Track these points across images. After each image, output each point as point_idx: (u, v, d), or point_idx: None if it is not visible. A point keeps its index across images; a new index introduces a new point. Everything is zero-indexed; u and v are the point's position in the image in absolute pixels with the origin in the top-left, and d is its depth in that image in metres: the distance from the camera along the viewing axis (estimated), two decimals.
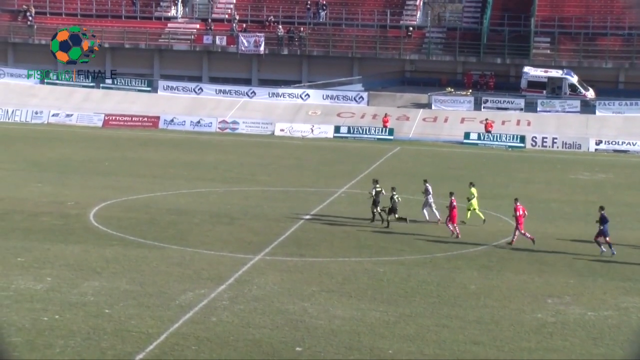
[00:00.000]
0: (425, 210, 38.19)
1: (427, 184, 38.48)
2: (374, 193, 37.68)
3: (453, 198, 35.97)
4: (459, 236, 35.54)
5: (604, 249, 33.65)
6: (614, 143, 66.61)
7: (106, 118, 71.38)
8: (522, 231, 34.67)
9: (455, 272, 30.69)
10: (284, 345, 23.20)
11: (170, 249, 32.61)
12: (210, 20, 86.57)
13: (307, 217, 38.71)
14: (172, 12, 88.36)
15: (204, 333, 23.83)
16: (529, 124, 70.73)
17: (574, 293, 28.77)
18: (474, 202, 37.84)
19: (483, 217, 38.03)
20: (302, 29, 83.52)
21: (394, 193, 37.69)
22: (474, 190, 38.22)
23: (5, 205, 39.28)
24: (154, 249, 32.48)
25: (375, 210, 37.66)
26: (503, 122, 70.53)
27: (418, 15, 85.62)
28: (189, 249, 32.54)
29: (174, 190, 44.19)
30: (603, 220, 33.53)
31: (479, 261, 32.35)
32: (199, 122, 70.71)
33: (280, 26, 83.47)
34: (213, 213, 39.06)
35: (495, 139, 67.20)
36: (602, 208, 34.10)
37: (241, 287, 28.06)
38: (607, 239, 33.59)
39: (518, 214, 34.71)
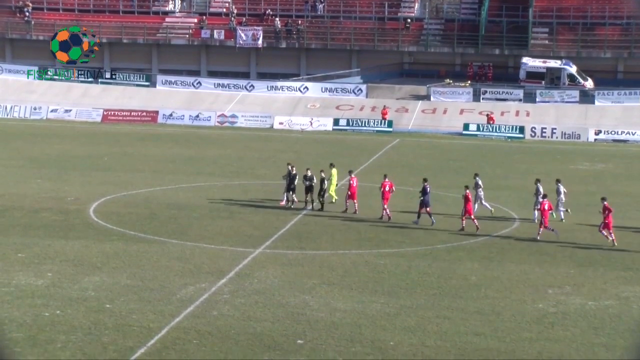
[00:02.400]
0: (288, 194, 39.33)
1: (290, 166, 39.43)
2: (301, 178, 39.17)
3: (352, 176, 38.33)
4: (356, 212, 37.64)
5: (417, 221, 36.15)
6: (613, 133, 66.56)
7: (105, 113, 71.33)
8: (385, 206, 36.67)
9: (455, 264, 30.71)
10: (285, 338, 23.21)
11: (171, 243, 32.62)
12: (207, 14, 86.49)
13: (307, 210, 38.70)
14: (170, 7, 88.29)
15: (205, 327, 23.85)
16: (528, 114, 70.71)
17: (574, 283, 28.79)
18: (333, 182, 39.22)
19: (336, 198, 39.31)
20: (299, 22, 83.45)
21: (323, 176, 38.74)
22: (334, 171, 39.49)
23: (5, 201, 39.27)
24: (154, 244, 32.49)
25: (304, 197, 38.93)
26: (502, 113, 70.54)
27: (416, 7, 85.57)
28: (189, 244, 32.55)
29: (174, 185, 44.18)
30: (424, 192, 36.18)
31: (480, 252, 32.37)
32: (197, 116, 70.67)
33: (277, 19, 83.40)
34: (213, 207, 39.06)
35: (494, 130, 67.16)
36: (425, 180, 36.79)
37: (242, 281, 28.07)
38: (428, 209, 36.14)
39: (384, 189, 36.86)
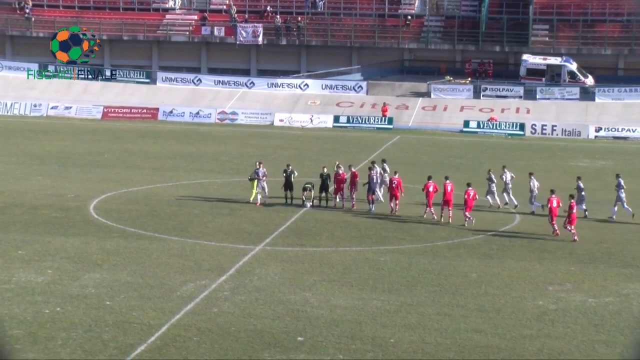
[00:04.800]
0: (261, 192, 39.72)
1: (260, 166, 39.89)
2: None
3: (342, 172, 39.19)
4: (335, 206, 38.92)
5: (372, 207, 38.02)
6: (613, 130, 66.50)
7: (105, 110, 71.31)
8: (352, 194, 38.74)
9: (456, 261, 30.71)
10: (285, 335, 23.22)
11: (171, 240, 32.63)
12: (208, 11, 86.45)
13: (308, 207, 38.70)
14: (170, 4, 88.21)
15: (206, 324, 23.86)
16: (528, 111, 70.66)
17: (574, 280, 28.80)
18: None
19: (253, 197, 39.38)
20: (300, 18, 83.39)
21: (327, 172, 39.37)
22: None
23: (5, 198, 39.28)
24: (155, 241, 32.50)
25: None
26: (502, 110, 70.49)
27: (416, 3, 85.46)
28: (189, 240, 32.56)
29: (174, 182, 44.20)
30: (370, 180, 38.28)
31: (480, 249, 32.37)
32: (198, 113, 70.64)
33: (278, 16, 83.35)
34: (213, 204, 39.08)
35: (494, 127, 67.13)
36: (370, 169, 39.11)
37: (242, 278, 28.08)
38: (373, 196, 38.28)
39: (357, 179, 39.00)
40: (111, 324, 23.72)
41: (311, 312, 24.96)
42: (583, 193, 37.63)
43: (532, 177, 38.73)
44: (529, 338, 23.48)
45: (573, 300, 26.66)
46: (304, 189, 39.09)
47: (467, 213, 35.76)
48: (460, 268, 29.79)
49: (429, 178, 37.40)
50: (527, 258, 31.30)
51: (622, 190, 37.62)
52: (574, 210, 33.95)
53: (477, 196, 36.61)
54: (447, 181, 36.61)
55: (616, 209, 37.71)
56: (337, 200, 39.04)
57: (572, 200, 34.28)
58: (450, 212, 36.22)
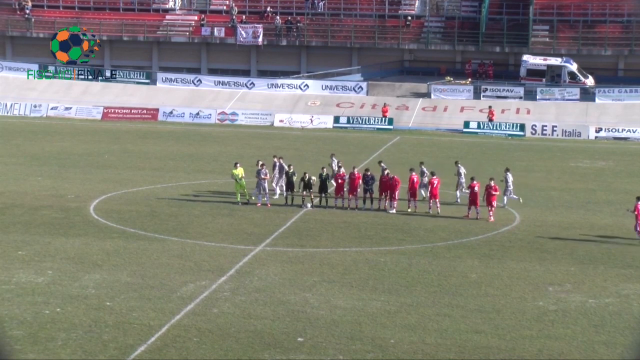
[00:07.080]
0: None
1: (262, 167, 39.92)
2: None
3: (342, 171, 39.76)
4: (336, 206, 39.23)
5: (371, 207, 38.74)
6: (613, 130, 66.47)
7: (105, 111, 71.32)
8: (355, 195, 39.11)
9: (456, 261, 30.71)
10: (285, 336, 23.23)
11: (171, 241, 32.63)
12: (208, 11, 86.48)
13: (308, 207, 38.70)
14: (170, 4, 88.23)
15: (206, 324, 23.86)
16: (528, 112, 70.65)
17: (574, 281, 28.80)
18: (242, 182, 39.44)
19: (238, 200, 39.35)
20: (300, 19, 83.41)
21: (326, 173, 39.71)
22: (236, 171, 39.71)
23: (6, 199, 39.29)
24: (155, 241, 32.50)
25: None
26: (503, 111, 70.45)
27: (416, 4, 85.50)
28: (189, 241, 32.56)
29: (174, 183, 44.20)
30: (367, 182, 38.84)
31: (480, 250, 32.37)
32: (198, 113, 70.63)
33: (278, 17, 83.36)
34: (213, 205, 39.07)
35: (495, 128, 67.12)
36: (367, 170, 40.08)
37: (242, 279, 28.09)
38: (371, 194, 38.96)
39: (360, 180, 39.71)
40: (111, 324, 23.73)
41: (311, 313, 24.96)
42: (510, 184, 39.52)
43: (459, 165, 40.97)
44: (529, 339, 23.48)
45: (573, 301, 26.66)
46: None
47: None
48: (460, 269, 29.80)
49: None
50: (527, 259, 31.31)
51: (426, 177, 39.84)
52: (494, 193, 36.82)
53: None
54: (413, 173, 38.84)
55: (424, 192, 39.83)
56: (338, 200, 39.08)
57: (494, 184, 36.91)
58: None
